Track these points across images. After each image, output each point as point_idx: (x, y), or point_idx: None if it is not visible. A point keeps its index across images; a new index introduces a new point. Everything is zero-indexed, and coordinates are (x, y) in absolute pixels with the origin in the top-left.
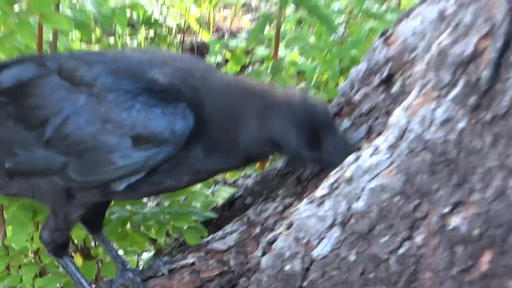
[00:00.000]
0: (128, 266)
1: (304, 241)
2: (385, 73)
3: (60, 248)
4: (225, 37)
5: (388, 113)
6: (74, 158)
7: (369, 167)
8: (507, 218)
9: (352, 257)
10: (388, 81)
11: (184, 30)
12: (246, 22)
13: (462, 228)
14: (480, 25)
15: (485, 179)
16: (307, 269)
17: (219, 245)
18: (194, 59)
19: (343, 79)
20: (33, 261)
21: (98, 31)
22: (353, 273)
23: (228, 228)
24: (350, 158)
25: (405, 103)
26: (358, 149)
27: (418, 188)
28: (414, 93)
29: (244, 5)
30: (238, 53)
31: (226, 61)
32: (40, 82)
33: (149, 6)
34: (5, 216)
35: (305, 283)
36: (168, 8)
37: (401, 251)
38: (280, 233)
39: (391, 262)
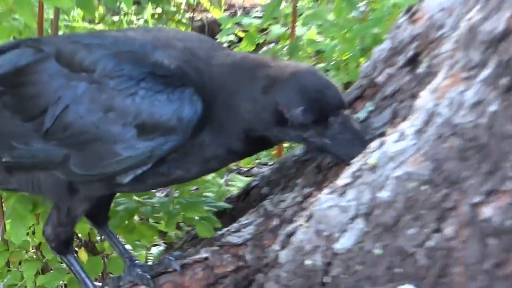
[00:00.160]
0: (137, 262)
1: (326, 233)
2: (410, 53)
3: (64, 245)
4: (238, 14)
5: (414, 96)
6: (76, 151)
7: (395, 154)
8: None
9: (377, 251)
10: (413, 61)
11: (194, 7)
12: None
13: (495, 219)
14: None
15: None
16: (329, 264)
17: (234, 239)
18: (199, 37)
19: (365, 60)
20: (34, 256)
21: (101, 9)
22: (378, 268)
23: (243, 220)
24: (375, 144)
25: (432, 85)
26: (380, 135)
27: (447, 176)
28: (441, 74)
29: None
30: (252, 31)
31: (239, 40)
32: (37, 68)
33: None
34: (4, 209)
35: (326, 279)
36: None
37: (429, 244)
38: (299, 225)
39: (419, 256)
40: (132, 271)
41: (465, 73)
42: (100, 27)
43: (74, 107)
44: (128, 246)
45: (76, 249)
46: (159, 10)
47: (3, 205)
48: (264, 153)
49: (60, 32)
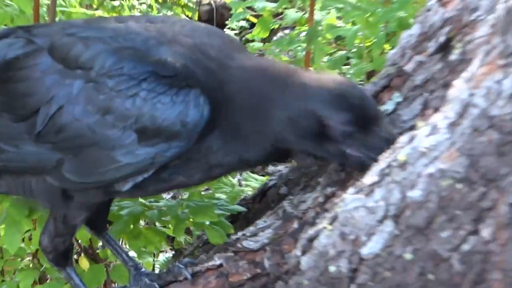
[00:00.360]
0: (143, 270)
1: (351, 237)
2: (441, 38)
3: (62, 257)
4: None
5: (446, 85)
6: (70, 155)
7: (426, 149)
8: None
9: (407, 256)
10: (445, 48)
11: None
12: None
13: None
14: None
15: None
16: (355, 270)
17: (250, 244)
18: (208, 31)
19: (390, 46)
20: (31, 265)
21: None
22: (409, 274)
23: (260, 223)
24: (404, 138)
25: (466, 74)
26: (410, 128)
27: (484, 173)
28: (476, 61)
29: None
30: (266, 16)
31: (251, 25)
32: (28, 62)
33: None
34: None
35: (352, 287)
36: None
37: (465, 247)
38: (322, 229)
39: (454, 260)
40: (139, 280)
41: (503, 60)
42: (99, 13)
43: (68, 107)
44: (133, 253)
45: (76, 256)
46: None
47: None
48: None
49: (57, 19)
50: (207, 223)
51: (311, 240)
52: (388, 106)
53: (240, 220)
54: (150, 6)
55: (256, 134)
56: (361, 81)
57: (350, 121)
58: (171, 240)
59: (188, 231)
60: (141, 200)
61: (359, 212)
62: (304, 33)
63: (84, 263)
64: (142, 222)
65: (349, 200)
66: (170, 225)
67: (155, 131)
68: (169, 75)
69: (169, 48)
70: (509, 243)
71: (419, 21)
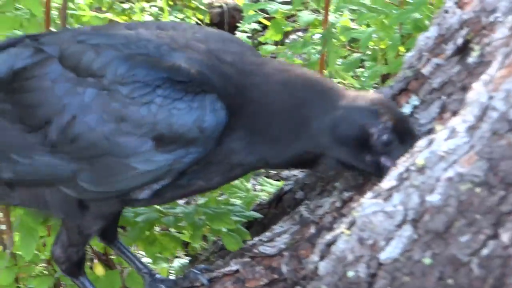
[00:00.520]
0: (157, 276)
1: (370, 242)
2: (459, 41)
3: (76, 267)
4: (261, 0)
5: (465, 88)
6: (85, 165)
7: (445, 153)
8: None
9: (426, 260)
10: (463, 50)
11: None
12: None
13: None
14: None
15: None
16: (374, 275)
17: (267, 249)
18: (222, 37)
19: (405, 49)
20: (45, 271)
21: None
22: (428, 279)
23: (277, 228)
24: (422, 142)
25: (485, 76)
26: (428, 132)
27: (504, 176)
28: (495, 63)
29: None
30: (279, 18)
31: (263, 28)
32: (37, 72)
33: None
34: (12, 218)
35: None
36: None
37: (484, 252)
38: (340, 233)
39: (473, 265)
40: (154, 287)
41: None
42: (109, 16)
43: (82, 116)
44: (147, 259)
45: (89, 263)
46: None
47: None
48: None
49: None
50: (224, 229)
51: (329, 245)
52: (405, 110)
53: (255, 226)
54: (161, 9)
55: (290, 137)
56: (375, 84)
57: (391, 131)
58: (185, 245)
59: (203, 237)
60: (157, 206)
61: (378, 216)
62: (317, 36)
63: (99, 269)
64: (157, 228)
65: (367, 204)
66: (185, 231)
67: (172, 137)
68: (184, 80)
69: (183, 54)
70: None
71: (437, 23)
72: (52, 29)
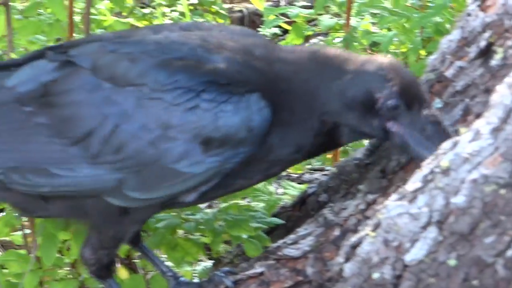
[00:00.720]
0: (182, 279)
1: (395, 244)
2: (482, 43)
3: (105, 269)
4: (281, 4)
5: (488, 91)
6: (131, 174)
7: (469, 155)
8: None
9: (451, 262)
10: (486, 53)
11: None
12: None
13: None
14: None
15: None
16: (399, 277)
17: (291, 251)
18: (244, 32)
19: (426, 52)
20: (69, 275)
21: (129, 1)
22: (454, 280)
23: (301, 230)
24: (447, 144)
25: (508, 78)
26: (456, 133)
27: None
28: None
29: None
30: (300, 22)
31: (284, 32)
32: (71, 85)
33: None
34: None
35: None
36: None
37: (509, 253)
38: (365, 235)
39: (498, 266)
40: None
41: None
42: (130, 21)
43: (125, 126)
44: (169, 263)
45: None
46: (193, 0)
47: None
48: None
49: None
50: (244, 236)
51: (354, 247)
52: None
53: (279, 229)
54: (181, 14)
55: (308, 114)
56: None
57: (397, 96)
58: (208, 249)
59: (226, 240)
60: (177, 212)
61: (403, 218)
62: (338, 39)
63: (124, 273)
64: (179, 233)
65: (392, 206)
66: (207, 234)
67: (221, 140)
68: (227, 82)
69: (219, 55)
70: None
71: (460, 26)
72: (74, 34)
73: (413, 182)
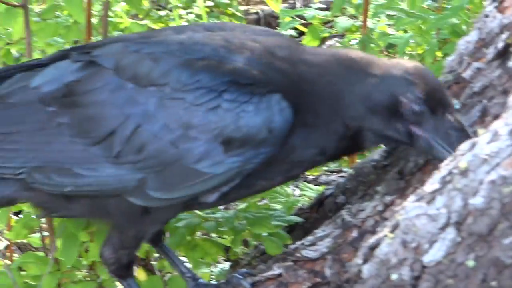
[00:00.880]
0: (201, 281)
1: (413, 245)
2: (500, 45)
3: (124, 268)
4: (297, 6)
5: (506, 92)
6: (153, 174)
7: (488, 156)
8: None
9: (470, 263)
10: (504, 54)
11: None
12: None
13: None
14: None
15: None
16: (417, 278)
17: (309, 253)
18: (268, 32)
19: (442, 54)
20: (88, 277)
21: (145, 3)
22: (472, 281)
23: (318, 232)
24: (465, 145)
25: None
26: (474, 134)
27: None
28: None
29: None
30: (316, 24)
31: (300, 34)
32: (94, 85)
33: None
34: (55, 224)
35: None
36: None
37: None
38: (383, 237)
39: None
40: None
41: None
42: (146, 23)
43: (147, 126)
44: (189, 264)
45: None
46: (209, 2)
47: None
48: None
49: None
50: (264, 234)
51: (372, 248)
52: None
53: (297, 230)
54: (197, 16)
55: (332, 118)
56: None
57: (422, 100)
58: (226, 250)
59: (244, 242)
60: (197, 212)
61: (421, 219)
62: (355, 41)
63: (142, 274)
64: (198, 233)
65: (411, 208)
66: (226, 236)
67: (242, 140)
68: (249, 83)
69: (241, 55)
70: None
71: (477, 27)
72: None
73: (432, 183)
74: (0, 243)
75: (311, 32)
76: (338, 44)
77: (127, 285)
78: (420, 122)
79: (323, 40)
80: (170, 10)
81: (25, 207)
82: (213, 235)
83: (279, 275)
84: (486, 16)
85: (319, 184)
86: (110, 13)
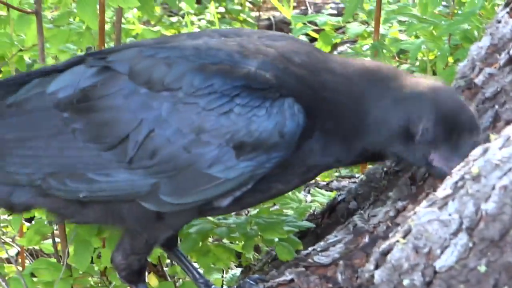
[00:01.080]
0: (213, 287)
1: (425, 250)
2: None
3: (136, 274)
4: (309, 12)
5: None
6: (166, 178)
7: (500, 161)
8: None
9: (482, 268)
10: None
11: (259, 4)
12: None
13: None
14: None
15: None
16: (429, 283)
17: (321, 258)
18: (285, 38)
19: (454, 59)
20: (100, 283)
21: (157, 9)
22: (484, 286)
23: (330, 238)
24: (477, 151)
25: None
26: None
27: None
28: None
29: None
30: (328, 30)
31: (311, 40)
32: (108, 90)
33: None
34: (67, 230)
35: None
36: None
37: None
38: (395, 242)
39: None
40: None
41: None
42: (157, 29)
43: (160, 131)
44: (201, 270)
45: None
46: (221, 9)
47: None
48: None
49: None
50: (276, 239)
51: (384, 253)
52: None
53: (309, 236)
54: (209, 22)
55: (350, 133)
56: None
57: (438, 128)
58: (238, 256)
59: (256, 248)
60: (209, 218)
61: (433, 225)
62: (367, 47)
63: (154, 280)
64: (210, 239)
65: (423, 213)
66: (238, 242)
67: (253, 144)
68: (261, 87)
69: (256, 60)
70: None
71: (489, 33)
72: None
73: (444, 189)
74: (11, 249)
75: (323, 38)
76: (349, 50)
77: None
78: (436, 148)
79: (334, 46)
80: (182, 17)
81: (38, 213)
82: (225, 240)
83: (291, 280)
84: (498, 21)
85: (330, 189)
86: (122, 20)
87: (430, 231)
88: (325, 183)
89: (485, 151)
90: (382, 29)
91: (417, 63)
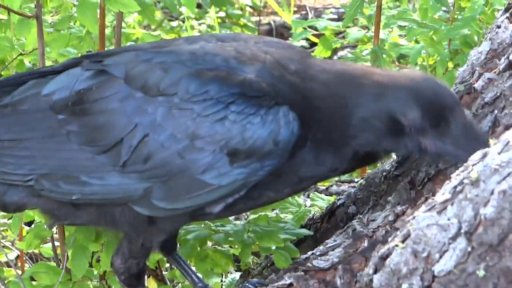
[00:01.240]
0: None
1: (424, 254)
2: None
3: (135, 278)
4: (309, 17)
5: None
6: (158, 183)
7: (499, 166)
8: None
9: (480, 272)
10: None
11: (260, 9)
12: None
13: None
14: None
15: None
16: None
17: (320, 263)
18: (281, 44)
19: (453, 64)
20: (99, 287)
21: (158, 14)
22: None
23: (330, 242)
24: (476, 155)
25: None
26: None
27: None
28: None
29: None
30: (328, 35)
31: (311, 45)
32: (104, 94)
33: None
34: (66, 233)
35: None
36: None
37: None
38: (394, 246)
39: None
40: None
41: None
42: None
43: (154, 135)
44: (199, 274)
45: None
46: (222, 13)
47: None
48: None
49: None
50: (273, 247)
51: (383, 258)
52: None
53: (308, 240)
54: (209, 26)
55: (339, 140)
56: None
57: (423, 116)
58: (237, 260)
59: (255, 252)
60: (208, 223)
61: (432, 229)
62: (367, 51)
63: (153, 284)
64: (209, 243)
65: (421, 217)
66: (236, 246)
67: (247, 152)
68: (257, 95)
69: (252, 67)
70: None
71: (489, 38)
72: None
73: (442, 193)
74: (11, 253)
75: (323, 43)
76: (349, 55)
77: None
78: (427, 135)
79: (335, 51)
80: (183, 21)
81: (37, 217)
82: (224, 245)
83: (290, 285)
84: (498, 26)
85: (330, 194)
86: (122, 24)
87: (429, 236)
88: (324, 187)
89: (484, 155)
90: (382, 34)
91: (417, 68)
